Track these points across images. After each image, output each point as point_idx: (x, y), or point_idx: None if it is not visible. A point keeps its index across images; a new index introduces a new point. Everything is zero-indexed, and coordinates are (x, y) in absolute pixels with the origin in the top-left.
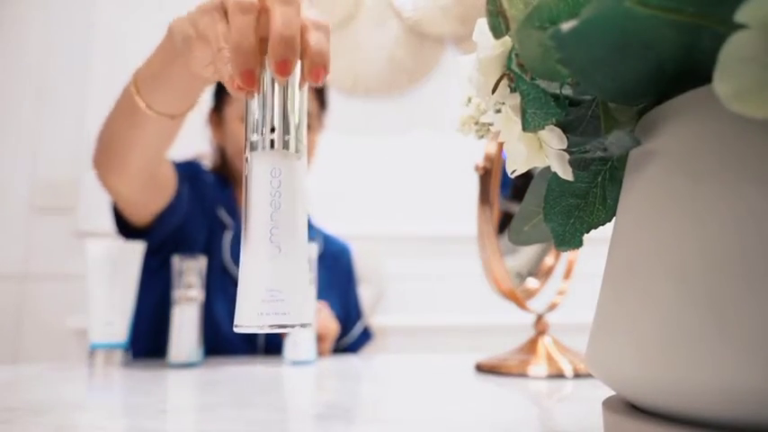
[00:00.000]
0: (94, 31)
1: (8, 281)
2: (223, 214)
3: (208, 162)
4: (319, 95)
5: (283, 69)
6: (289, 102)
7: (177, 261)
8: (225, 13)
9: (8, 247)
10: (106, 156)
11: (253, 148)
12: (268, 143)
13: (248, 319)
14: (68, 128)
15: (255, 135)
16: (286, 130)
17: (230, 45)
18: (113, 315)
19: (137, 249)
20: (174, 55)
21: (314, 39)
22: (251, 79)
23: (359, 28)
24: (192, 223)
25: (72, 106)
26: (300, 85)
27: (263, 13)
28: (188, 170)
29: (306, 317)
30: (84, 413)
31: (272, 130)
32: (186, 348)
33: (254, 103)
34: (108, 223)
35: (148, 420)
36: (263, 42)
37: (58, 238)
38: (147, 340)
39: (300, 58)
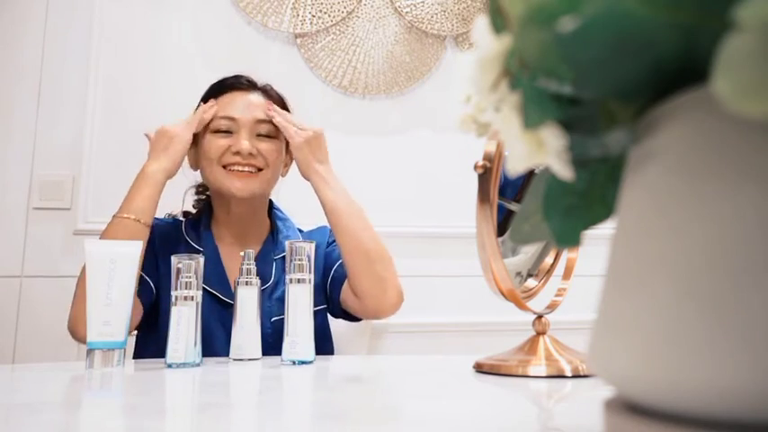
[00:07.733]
0: (94, 31)
1: (6, 280)
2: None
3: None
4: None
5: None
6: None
7: (175, 261)
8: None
9: (6, 246)
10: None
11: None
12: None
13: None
14: (67, 127)
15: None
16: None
17: None
18: (111, 315)
19: (135, 249)
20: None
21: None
22: None
23: (358, 25)
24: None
25: (71, 106)
26: None
27: None
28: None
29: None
30: (82, 413)
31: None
32: (184, 348)
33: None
34: (106, 223)
35: (148, 420)
36: None
37: (56, 238)
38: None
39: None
